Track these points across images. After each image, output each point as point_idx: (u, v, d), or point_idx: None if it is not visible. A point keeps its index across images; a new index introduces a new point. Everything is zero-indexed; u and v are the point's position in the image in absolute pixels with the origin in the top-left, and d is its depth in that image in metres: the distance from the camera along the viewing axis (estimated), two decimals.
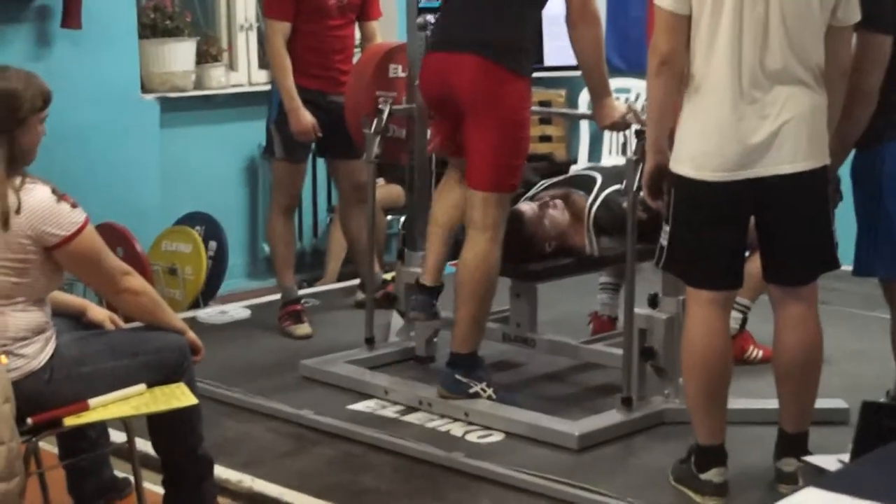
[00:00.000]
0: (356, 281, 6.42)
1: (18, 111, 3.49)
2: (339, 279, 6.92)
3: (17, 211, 3.43)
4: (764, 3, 3.70)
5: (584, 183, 5.10)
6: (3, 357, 3.36)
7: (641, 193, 4.16)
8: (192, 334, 3.83)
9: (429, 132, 5.35)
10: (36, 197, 3.48)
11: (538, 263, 4.97)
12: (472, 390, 4.74)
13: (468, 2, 4.73)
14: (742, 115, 3.73)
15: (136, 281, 3.71)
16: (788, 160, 3.75)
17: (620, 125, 4.75)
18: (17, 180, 3.48)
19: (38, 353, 3.51)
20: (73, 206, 3.52)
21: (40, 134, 3.58)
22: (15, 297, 3.49)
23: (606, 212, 4.89)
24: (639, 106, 5.38)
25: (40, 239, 3.46)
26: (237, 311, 6.22)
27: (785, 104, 3.74)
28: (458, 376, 4.76)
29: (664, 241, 3.94)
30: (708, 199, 3.81)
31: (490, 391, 4.74)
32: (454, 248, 4.96)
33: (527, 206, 5.00)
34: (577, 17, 4.62)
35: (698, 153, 3.79)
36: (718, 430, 3.96)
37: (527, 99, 4.68)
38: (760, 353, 5.15)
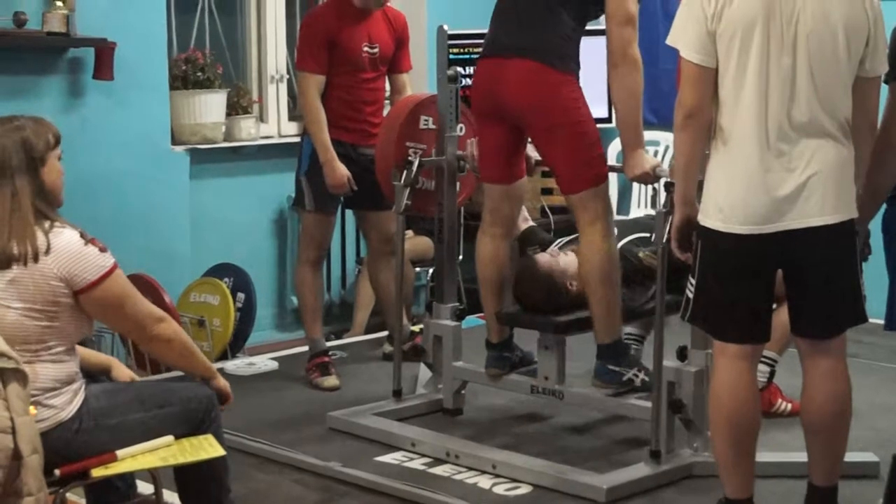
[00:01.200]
0: (384, 333, 6.41)
1: (34, 151, 3.54)
2: (367, 331, 6.92)
3: (47, 252, 3.45)
4: (791, 55, 3.70)
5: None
6: (32, 408, 3.36)
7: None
8: (222, 380, 3.85)
9: (458, 185, 5.39)
10: (64, 238, 3.50)
11: (566, 315, 4.97)
12: (625, 378, 4.84)
13: (513, 8, 4.83)
14: (769, 168, 3.73)
15: (168, 328, 3.70)
16: (816, 213, 3.74)
17: (650, 178, 4.73)
18: (46, 224, 3.50)
19: (68, 404, 3.52)
20: (102, 250, 3.54)
21: (60, 171, 3.62)
22: (46, 342, 3.50)
23: (622, 262, 4.88)
24: (667, 159, 5.40)
25: (70, 281, 3.48)
26: (265, 362, 6.21)
27: (812, 157, 3.73)
28: (610, 366, 4.84)
29: (690, 293, 3.93)
30: (735, 252, 3.79)
31: (642, 374, 4.82)
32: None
33: (538, 255, 5.06)
34: (618, 59, 4.67)
35: (725, 206, 3.78)
36: (746, 485, 3.93)
37: (580, 96, 4.77)
38: (789, 407, 5.12)
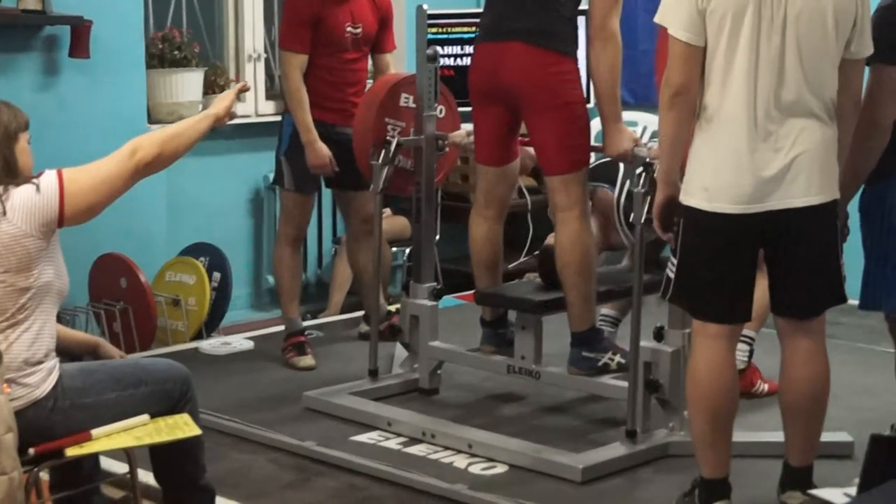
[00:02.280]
0: (360, 312, 6.40)
1: (9, 127, 3.53)
2: (343, 311, 6.91)
3: (3, 214, 3.42)
4: (780, 36, 3.71)
5: (609, 172, 5.11)
6: (5, 386, 3.35)
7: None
8: (214, 112, 3.83)
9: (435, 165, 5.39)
10: (17, 196, 3.46)
11: (542, 295, 4.98)
12: (600, 363, 4.87)
13: None
14: (756, 148, 3.73)
15: (144, 152, 3.60)
16: (801, 194, 3.75)
17: (629, 156, 4.74)
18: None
19: (42, 383, 3.50)
20: (40, 175, 3.51)
21: (30, 154, 3.60)
22: (20, 315, 3.47)
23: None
24: (645, 139, 5.39)
25: (48, 225, 3.47)
26: (240, 342, 6.19)
27: (798, 137, 3.74)
28: (584, 353, 4.87)
29: (671, 273, 3.93)
30: (720, 232, 3.79)
31: (618, 357, 4.84)
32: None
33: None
34: (596, 33, 4.71)
35: (711, 185, 3.77)
36: (723, 464, 3.94)
37: (577, 79, 4.82)
38: (766, 387, 5.13)
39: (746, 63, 3.72)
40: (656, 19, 3.87)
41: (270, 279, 7.09)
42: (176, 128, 3.74)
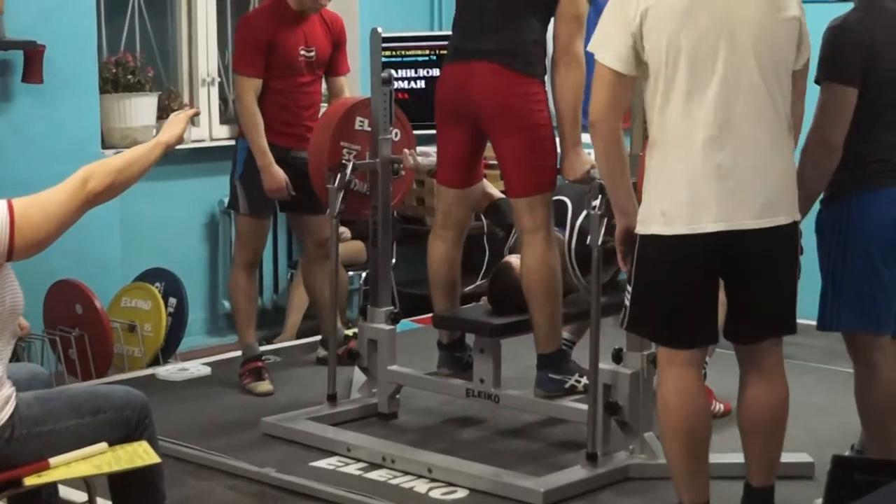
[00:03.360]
0: (317, 337, 6.38)
1: None
2: (300, 335, 6.88)
3: None
4: (731, 50, 3.66)
5: (558, 213, 5.10)
6: None
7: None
8: (167, 135, 3.80)
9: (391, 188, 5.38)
10: None
11: (500, 319, 4.97)
12: (567, 385, 4.86)
13: (478, 14, 4.84)
14: (712, 168, 3.68)
15: (96, 182, 3.54)
16: (764, 214, 3.71)
17: (587, 180, 4.75)
18: None
19: None
20: None
21: None
22: None
23: (584, 246, 4.76)
24: None
25: None
26: (197, 368, 6.15)
27: (757, 156, 3.70)
28: (551, 375, 4.86)
29: (628, 301, 3.89)
30: (680, 255, 3.74)
31: (584, 379, 4.79)
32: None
33: (514, 259, 5.04)
34: (560, 55, 4.73)
35: (668, 208, 3.73)
36: (704, 490, 3.89)
37: (543, 100, 4.81)
38: (721, 408, 5.14)
39: (692, 83, 3.67)
40: (589, 48, 3.86)
41: (226, 304, 7.08)
42: (127, 156, 3.69)
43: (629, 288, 3.88)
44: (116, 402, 3.69)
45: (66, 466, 3.51)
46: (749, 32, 3.69)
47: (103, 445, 3.58)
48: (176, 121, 3.89)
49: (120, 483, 3.69)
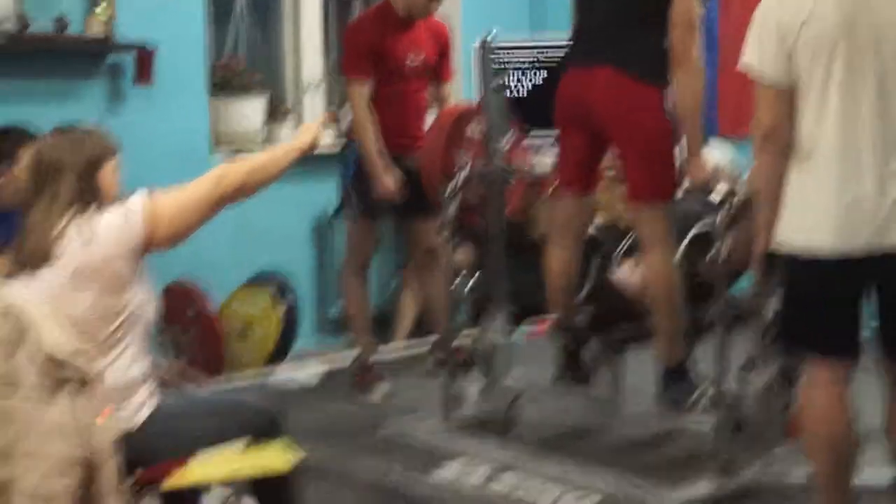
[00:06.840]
0: (429, 343, 6.32)
1: (91, 154, 3.54)
2: (410, 340, 6.83)
3: (92, 241, 3.40)
4: (880, 66, 3.58)
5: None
6: (104, 412, 3.27)
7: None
8: (303, 139, 3.79)
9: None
10: (104, 221, 3.44)
11: (625, 328, 4.92)
12: (691, 399, 4.78)
13: (600, 19, 4.80)
14: (860, 186, 3.58)
15: (229, 180, 3.60)
16: None
17: (706, 187, 4.68)
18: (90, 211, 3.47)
19: (140, 408, 3.46)
20: (126, 198, 3.49)
21: (116, 181, 3.59)
22: (117, 340, 3.43)
23: (698, 253, 4.76)
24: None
25: (135, 249, 3.44)
26: (309, 371, 6.12)
27: None
28: (675, 390, 4.82)
29: (774, 315, 3.86)
30: (827, 276, 3.65)
31: (709, 393, 4.71)
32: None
33: (618, 275, 5.00)
34: (677, 62, 4.66)
35: (811, 227, 3.64)
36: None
37: (662, 108, 4.72)
38: None
39: (843, 98, 3.59)
40: (741, 63, 3.79)
41: (336, 308, 7.03)
42: (262, 159, 3.72)
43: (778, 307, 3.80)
44: (252, 405, 3.70)
45: (205, 469, 3.46)
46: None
47: (241, 446, 3.53)
48: (311, 126, 3.89)
49: (264, 485, 3.66)
